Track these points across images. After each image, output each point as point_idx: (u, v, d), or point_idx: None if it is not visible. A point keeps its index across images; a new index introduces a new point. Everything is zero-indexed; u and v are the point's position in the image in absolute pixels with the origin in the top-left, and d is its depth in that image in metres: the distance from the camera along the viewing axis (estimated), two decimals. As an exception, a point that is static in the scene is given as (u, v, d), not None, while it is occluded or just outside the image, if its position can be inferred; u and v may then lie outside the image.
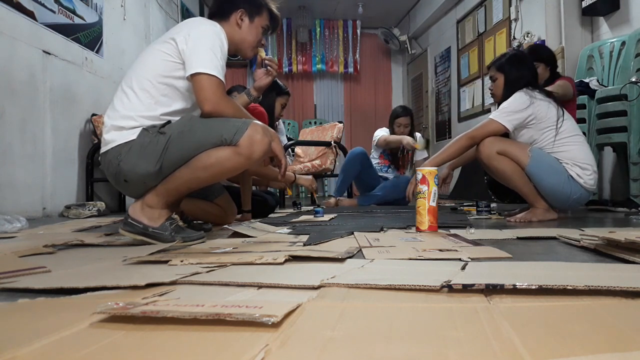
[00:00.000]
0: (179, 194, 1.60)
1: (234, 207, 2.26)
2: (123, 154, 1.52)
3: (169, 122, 1.56)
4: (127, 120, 1.54)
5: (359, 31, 7.88)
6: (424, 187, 1.73)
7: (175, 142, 1.50)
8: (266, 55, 2.02)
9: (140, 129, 1.52)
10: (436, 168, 1.78)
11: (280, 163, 1.61)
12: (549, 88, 2.55)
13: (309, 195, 3.51)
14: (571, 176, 2.14)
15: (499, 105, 2.29)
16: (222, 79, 1.55)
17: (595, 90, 3.12)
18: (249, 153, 1.47)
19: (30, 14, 3.11)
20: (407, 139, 3.81)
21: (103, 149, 1.58)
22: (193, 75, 1.52)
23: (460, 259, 1.03)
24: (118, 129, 1.54)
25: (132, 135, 1.52)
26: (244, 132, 1.46)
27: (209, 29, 1.59)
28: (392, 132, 3.95)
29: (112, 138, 1.54)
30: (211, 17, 1.76)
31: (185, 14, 5.72)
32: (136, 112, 1.54)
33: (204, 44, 1.54)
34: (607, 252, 1.10)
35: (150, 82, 1.56)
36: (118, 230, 1.57)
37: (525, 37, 4.40)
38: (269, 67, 2.02)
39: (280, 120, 3.24)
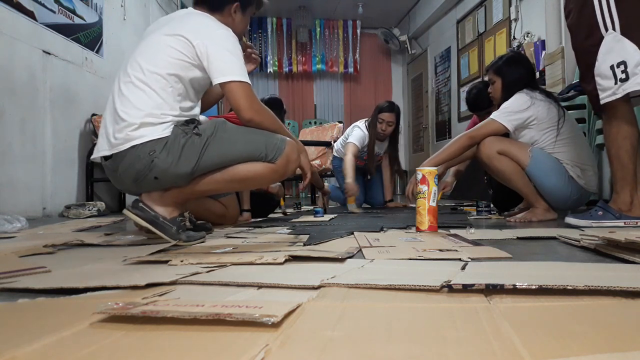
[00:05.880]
0: (201, 196, 1.63)
1: (238, 208, 2.26)
2: (158, 151, 1.48)
3: (193, 120, 1.57)
4: (151, 117, 1.49)
5: (359, 31, 7.88)
6: (424, 187, 1.73)
7: (213, 147, 1.52)
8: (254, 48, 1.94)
9: (171, 125, 1.51)
10: (436, 168, 1.78)
11: (306, 176, 1.71)
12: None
13: (309, 195, 3.49)
14: (571, 177, 2.14)
15: (498, 107, 2.29)
16: (249, 82, 1.58)
17: (595, 90, 3.11)
18: (284, 172, 1.60)
19: (30, 14, 3.11)
20: (348, 186, 3.17)
21: (127, 144, 1.49)
22: (224, 84, 1.53)
23: (460, 259, 1.03)
24: (144, 124, 1.48)
25: (165, 131, 1.49)
26: (282, 151, 1.55)
27: (225, 32, 1.57)
28: (374, 127, 3.49)
29: (140, 134, 1.48)
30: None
31: (185, 14, 5.71)
32: (160, 110, 1.51)
33: (226, 49, 1.54)
34: (607, 252, 1.09)
35: (166, 81, 1.53)
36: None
37: (525, 37, 4.40)
38: (253, 55, 1.91)
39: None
